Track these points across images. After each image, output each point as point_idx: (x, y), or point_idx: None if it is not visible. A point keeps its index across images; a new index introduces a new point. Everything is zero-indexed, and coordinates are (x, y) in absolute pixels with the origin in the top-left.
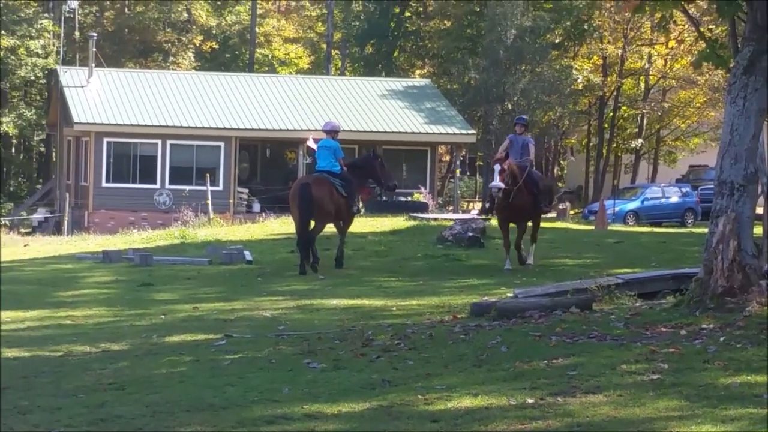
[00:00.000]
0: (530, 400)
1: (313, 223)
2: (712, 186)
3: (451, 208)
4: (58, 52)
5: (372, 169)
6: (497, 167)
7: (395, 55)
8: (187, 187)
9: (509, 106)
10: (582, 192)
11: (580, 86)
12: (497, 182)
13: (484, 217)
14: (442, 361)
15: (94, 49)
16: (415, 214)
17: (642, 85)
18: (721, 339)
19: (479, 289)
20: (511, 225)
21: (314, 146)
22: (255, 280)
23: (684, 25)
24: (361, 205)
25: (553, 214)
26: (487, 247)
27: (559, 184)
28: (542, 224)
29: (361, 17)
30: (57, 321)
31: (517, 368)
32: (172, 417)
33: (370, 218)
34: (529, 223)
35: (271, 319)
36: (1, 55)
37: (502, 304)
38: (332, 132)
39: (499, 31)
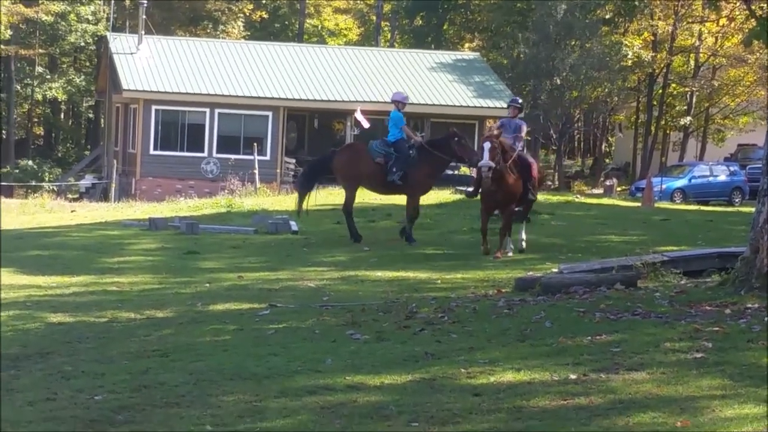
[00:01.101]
0: (573, 376)
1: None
2: (760, 165)
3: None
4: (108, 19)
5: (448, 146)
6: (487, 144)
7: (445, 27)
8: (234, 156)
9: (558, 81)
10: (629, 169)
11: (630, 62)
12: (487, 160)
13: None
14: (485, 335)
15: (144, 16)
16: (461, 188)
17: (692, 62)
18: (766, 319)
19: (524, 263)
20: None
21: (361, 118)
22: (300, 251)
23: (735, 3)
24: (399, 176)
25: (599, 190)
26: (533, 222)
27: (606, 161)
28: (588, 200)
29: None
30: (102, 287)
31: (560, 344)
32: (215, 385)
33: None
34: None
35: (316, 289)
36: (52, 20)
37: (546, 279)
38: (396, 102)
39: (549, 5)
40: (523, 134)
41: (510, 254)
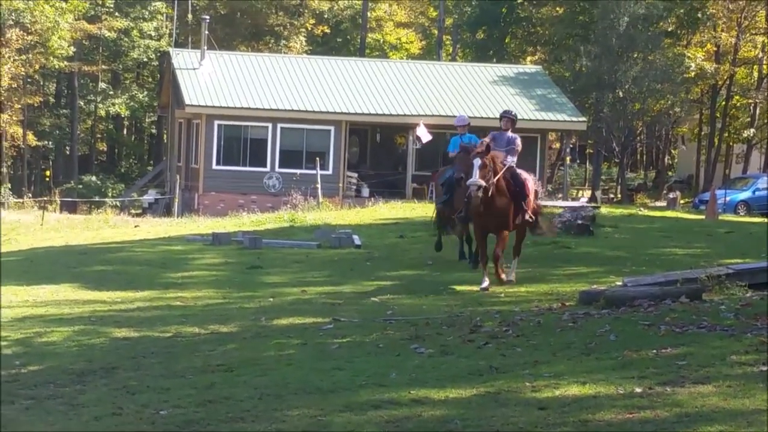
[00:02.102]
0: (638, 390)
1: None
2: None
3: (560, 195)
4: (170, 35)
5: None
6: (477, 161)
7: (507, 41)
8: (297, 171)
9: (620, 93)
10: (692, 181)
11: (693, 74)
12: (476, 179)
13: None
14: (550, 349)
15: (207, 32)
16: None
17: (755, 74)
18: None
19: (588, 277)
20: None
21: (423, 132)
22: (363, 265)
23: None
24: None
25: (662, 203)
26: (597, 235)
27: (669, 173)
28: (652, 213)
29: (473, 3)
30: (166, 302)
31: (625, 357)
32: (279, 400)
33: None
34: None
35: (379, 303)
36: (115, 36)
37: (611, 292)
38: (459, 126)
39: (611, 18)
40: (518, 148)
41: (513, 279)
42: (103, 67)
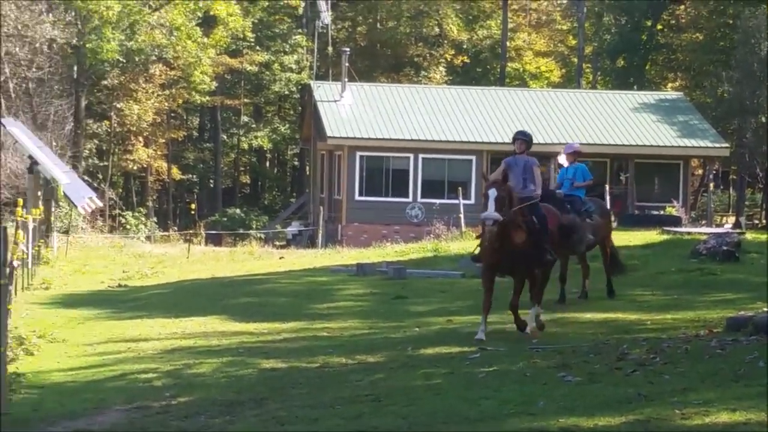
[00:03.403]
0: None
1: None
2: None
3: (704, 222)
4: (311, 67)
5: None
6: (492, 192)
7: (647, 68)
8: (438, 201)
9: (763, 119)
10: None
11: None
12: (491, 212)
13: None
14: (698, 376)
15: (347, 64)
16: (667, 228)
17: None
18: None
19: (735, 303)
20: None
21: (564, 161)
22: (508, 294)
23: None
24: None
25: None
26: (742, 261)
27: None
28: None
29: (613, 30)
30: (313, 333)
31: None
32: (428, 429)
33: (622, 231)
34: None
35: (525, 332)
36: (256, 70)
37: (759, 318)
38: (566, 155)
39: (752, 43)
40: (537, 176)
41: (531, 330)
42: (245, 100)
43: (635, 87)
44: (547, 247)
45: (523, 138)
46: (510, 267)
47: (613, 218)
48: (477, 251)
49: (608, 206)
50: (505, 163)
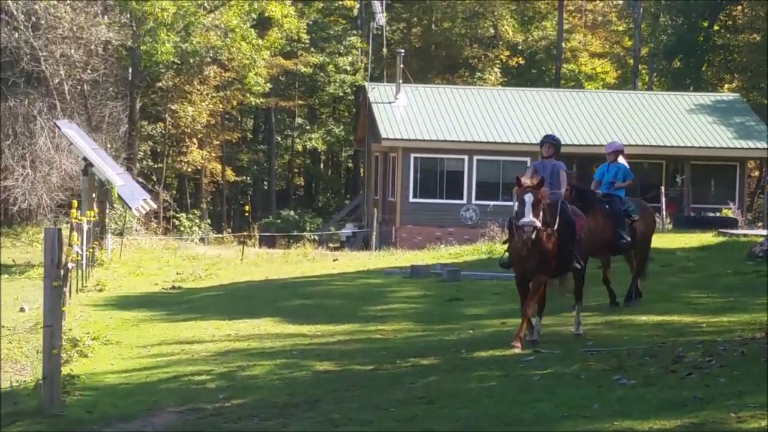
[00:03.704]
0: None
1: None
2: None
3: (761, 224)
4: (366, 69)
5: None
6: (528, 197)
7: (703, 69)
8: (493, 203)
9: None
10: None
11: None
12: (529, 218)
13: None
14: (754, 379)
15: (402, 65)
16: (723, 230)
17: None
18: None
19: None
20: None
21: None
22: (562, 296)
23: None
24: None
25: None
26: None
27: None
28: None
29: (669, 31)
30: (367, 335)
31: None
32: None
33: (678, 234)
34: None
35: (580, 334)
36: (311, 72)
37: None
38: (608, 154)
39: None
40: (564, 181)
41: (580, 332)
42: (300, 102)
43: (691, 88)
44: (575, 254)
45: (551, 142)
46: (530, 271)
47: (668, 220)
48: (506, 256)
49: (650, 207)
50: (533, 166)
